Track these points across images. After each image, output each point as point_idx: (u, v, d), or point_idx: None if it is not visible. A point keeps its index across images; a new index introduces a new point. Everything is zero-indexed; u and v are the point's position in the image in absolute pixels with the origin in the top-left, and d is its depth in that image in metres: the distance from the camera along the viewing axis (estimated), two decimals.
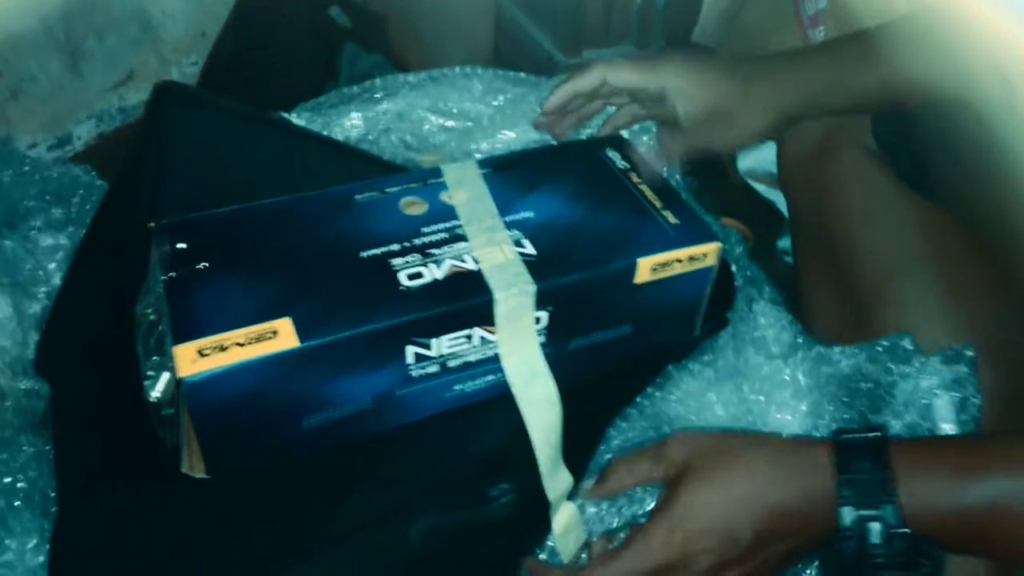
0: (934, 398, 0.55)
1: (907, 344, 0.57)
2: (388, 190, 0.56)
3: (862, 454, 0.45)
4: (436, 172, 0.58)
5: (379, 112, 0.75)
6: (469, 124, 0.76)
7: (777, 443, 0.49)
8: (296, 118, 0.74)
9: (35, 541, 0.52)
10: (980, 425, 0.55)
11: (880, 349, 0.57)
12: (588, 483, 0.53)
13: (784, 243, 0.96)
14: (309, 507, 0.51)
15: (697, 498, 0.46)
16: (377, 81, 0.77)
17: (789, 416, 0.57)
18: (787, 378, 0.57)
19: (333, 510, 0.51)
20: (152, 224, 0.52)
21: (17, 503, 0.53)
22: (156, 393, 0.48)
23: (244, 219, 0.54)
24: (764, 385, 0.57)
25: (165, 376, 0.48)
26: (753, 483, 0.46)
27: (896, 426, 0.55)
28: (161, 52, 1.04)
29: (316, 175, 0.66)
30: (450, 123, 0.76)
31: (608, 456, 0.56)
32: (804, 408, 0.56)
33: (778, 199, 0.98)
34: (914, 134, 0.62)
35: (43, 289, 0.65)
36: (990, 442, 0.47)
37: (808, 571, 0.54)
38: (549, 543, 0.53)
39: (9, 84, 0.93)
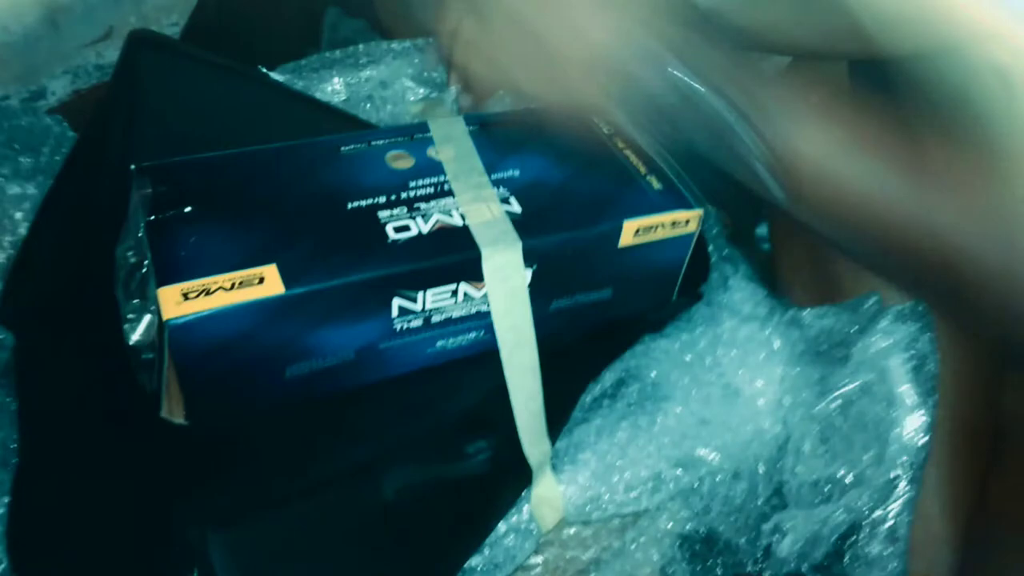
0: (888, 358, 0.56)
1: (874, 303, 0.58)
2: (374, 143, 0.56)
3: None
4: (423, 127, 0.58)
5: (361, 79, 0.74)
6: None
7: None
8: (276, 79, 0.73)
9: None
10: (939, 386, 0.57)
11: (848, 310, 0.58)
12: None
13: (762, 230, 0.97)
14: (285, 458, 0.51)
15: None
16: (360, 47, 0.76)
17: (761, 381, 0.58)
18: (761, 341, 0.58)
19: (309, 461, 0.50)
20: (133, 166, 0.51)
21: None
22: (137, 336, 0.47)
23: (228, 165, 0.53)
24: (738, 348, 0.58)
25: (147, 319, 0.47)
26: None
27: (854, 386, 0.56)
28: (141, 10, 1.01)
29: (294, 129, 0.65)
30: (435, 94, 0.75)
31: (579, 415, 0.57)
32: (778, 370, 0.57)
33: None
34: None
35: (8, 238, 0.63)
36: None
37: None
38: (526, 517, 0.54)
39: None
